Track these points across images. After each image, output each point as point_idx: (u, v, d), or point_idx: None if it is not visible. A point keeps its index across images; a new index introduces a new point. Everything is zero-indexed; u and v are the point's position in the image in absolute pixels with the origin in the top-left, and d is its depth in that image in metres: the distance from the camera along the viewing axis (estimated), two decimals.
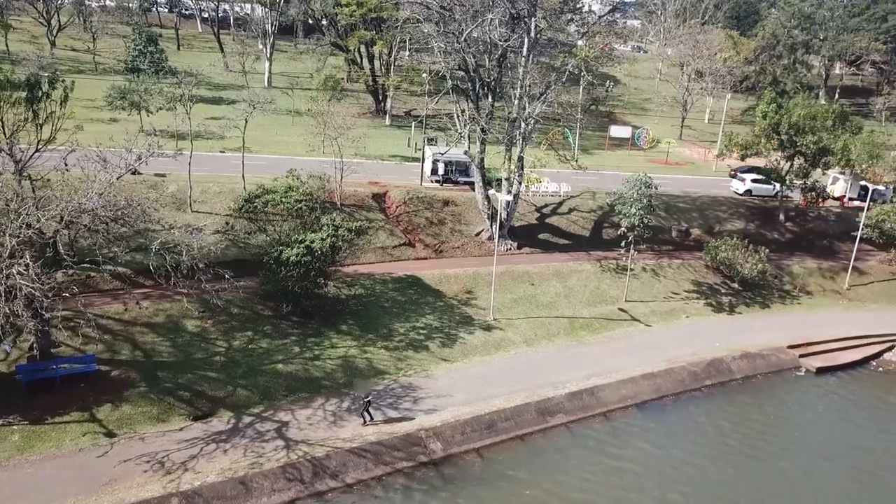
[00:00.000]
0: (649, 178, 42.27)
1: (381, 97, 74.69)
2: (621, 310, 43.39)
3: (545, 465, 29.85)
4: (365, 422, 29.41)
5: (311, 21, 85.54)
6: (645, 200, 41.57)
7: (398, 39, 68.32)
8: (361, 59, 75.95)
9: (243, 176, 43.84)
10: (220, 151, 52.60)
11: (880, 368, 41.87)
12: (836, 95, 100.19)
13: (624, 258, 45.14)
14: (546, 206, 52.09)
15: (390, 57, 72.26)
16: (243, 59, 71.18)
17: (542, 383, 34.18)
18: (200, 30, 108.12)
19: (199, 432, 28.14)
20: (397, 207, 47.92)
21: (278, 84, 77.57)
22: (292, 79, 78.33)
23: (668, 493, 28.95)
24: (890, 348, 43.34)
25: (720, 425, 34.72)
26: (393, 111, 73.49)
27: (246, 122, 43.94)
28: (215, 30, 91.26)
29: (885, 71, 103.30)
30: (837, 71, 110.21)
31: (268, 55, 79.96)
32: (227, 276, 31.41)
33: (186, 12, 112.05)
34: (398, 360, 34.64)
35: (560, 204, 52.43)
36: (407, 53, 75.72)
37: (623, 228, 43.11)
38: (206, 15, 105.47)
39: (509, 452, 30.33)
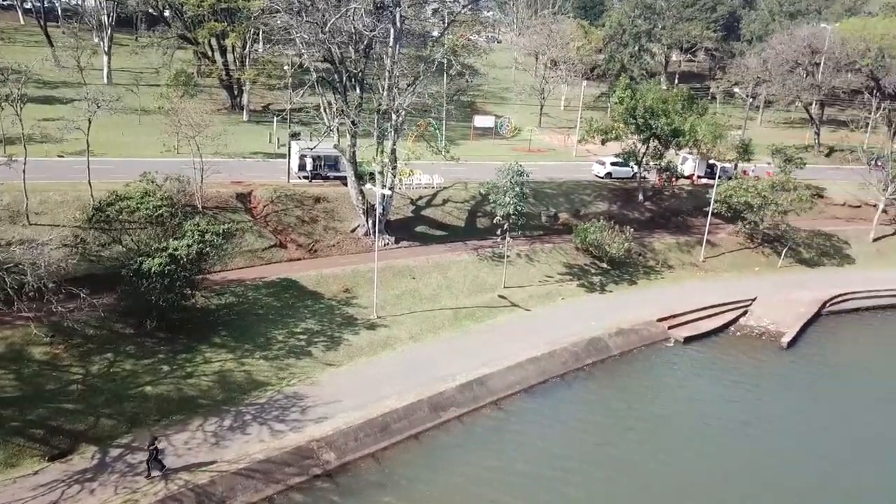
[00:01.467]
0: (521, 166, 42.75)
1: (236, 92, 70.90)
2: (501, 297, 43.75)
3: (442, 463, 29.33)
4: (149, 474, 25.06)
5: (153, 12, 79.53)
6: (518, 189, 42.01)
7: (252, 31, 64.97)
8: (213, 52, 71.62)
9: (90, 182, 39.69)
10: (59, 156, 47.52)
11: (738, 333, 45.05)
12: (676, 81, 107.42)
13: (500, 246, 45.53)
14: (420, 198, 51.57)
15: (245, 49, 68.66)
16: (78, 54, 64.83)
17: (433, 378, 33.61)
18: (23, 22, 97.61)
19: (58, 474, 24.99)
20: (265, 207, 45.49)
21: (120, 80, 71.44)
22: (136, 75, 72.52)
23: (564, 475, 29.33)
24: (744, 313, 46.76)
25: (604, 401, 35.88)
26: (251, 106, 69.98)
27: (90, 122, 39.73)
28: (41, 22, 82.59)
29: (717, 57, 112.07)
30: (675, 58, 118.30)
31: (105, 49, 73.39)
32: (81, 293, 28.12)
33: (5, 3, 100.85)
34: (279, 369, 32.74)
35: (434, 195, 52.09)
36: (261, 46, 72.31)
37: (498, 217, 43.39)
38: (28, 5, 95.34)
39: (406, 453, 29.51)
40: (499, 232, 44.28)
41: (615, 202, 57.90)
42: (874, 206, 61.91)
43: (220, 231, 35.64)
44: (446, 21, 45.02)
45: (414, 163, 49.00)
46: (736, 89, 79.77)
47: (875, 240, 58.24)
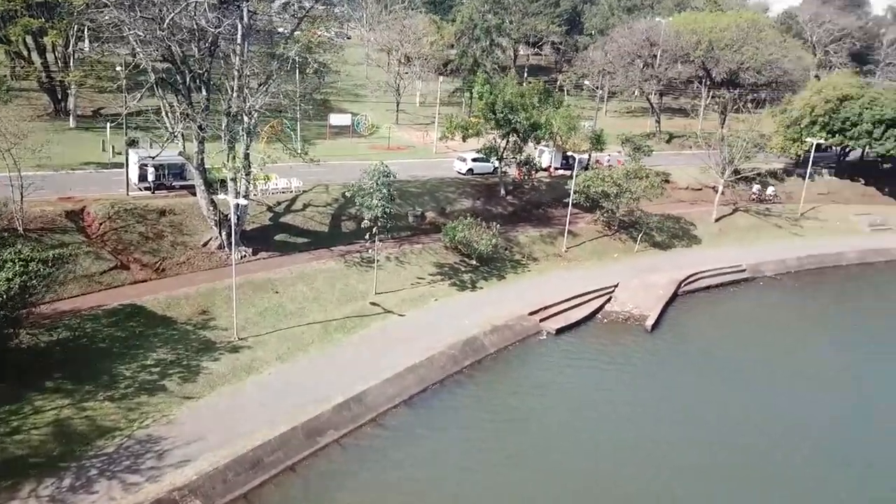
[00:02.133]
0: (387, 167, 41.06)
1: (60, 96, 63.65)
2: (373, 304, 41.95)
3: (321, 492, 27.19)
4: None
5: None
6: (386, 191, 40.31)
7: (76, 28, 58.33)
8: (29, 51, 63.87)
9: None
10: None
11: (605, 319, 46.17)
12: (525, 74, 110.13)
13: (368, 250, 43.66)
14: (279, 204, 48.52)
15: (68, 49, 61.65)
16: None
17: (306, 401, 31.22)
18: None
19: None
20: (101, 225, 40.76)
21: None
22: None
23: (452, 484, 28.20)
24: (609, 300, 48.04)
25: (485, 402, 35.19)
26: (78, 111, 63.08)
27: None
28: None
29: (562, 51, 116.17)
30: (523, 52, 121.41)
31: None
32: None
33: None
34: (129, 409, 28.99)
35: (293, 201, 49.21)
36: (87, 45, 65.37)
37: (366, 221, 41.48)
38: None
39: (281, 488, 27.05)
40: (367, 236, 42.41)
41: (479, 198, 57.75)
42: (713, 188, 66.31)
43: (48, 258, 31.14)
44: (298, 16, 42.18)
45: (270, 167, 45.93)
46: (585, 81, 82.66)
47: (717, 220, 62.23)
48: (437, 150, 68.93)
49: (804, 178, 69.96)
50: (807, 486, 30.18)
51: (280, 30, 49.12)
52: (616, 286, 49.12)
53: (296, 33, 43.91)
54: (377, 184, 40.30)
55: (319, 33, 60.57)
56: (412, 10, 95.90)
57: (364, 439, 30.82)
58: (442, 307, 43.33)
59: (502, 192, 58.90)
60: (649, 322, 44.66)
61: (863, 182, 73.72)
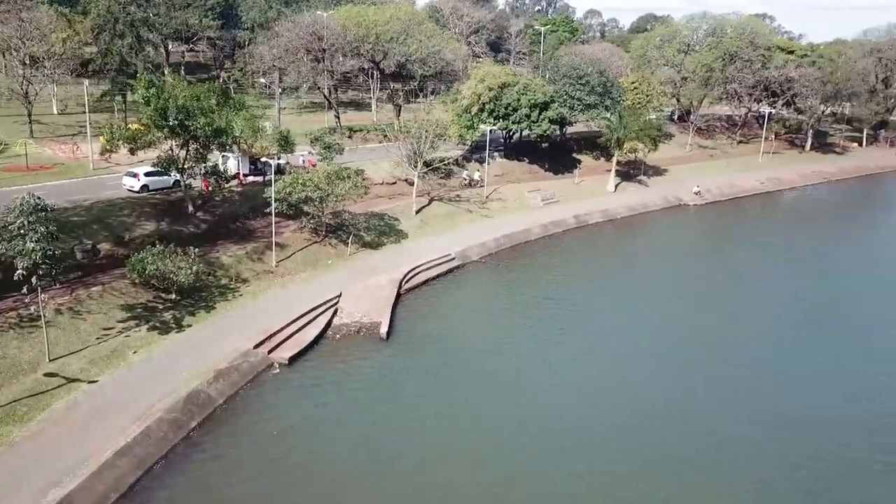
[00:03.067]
0: (39, 199, 31.59)
1: None
2: (50, 374, 32.53)
3: None
4: None
5: None
6: (43, 228, 30.99)
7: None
8: None
9: None
10: None
11: (337, 335, 42.60)
12: (182, 72, 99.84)
13: (30, 306, 33.71)
14: None
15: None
16: None
17: None
18: None
19: None
20: None
21: None
22: None
23: None
24: (335, 313, 44.60)
25: (224, 468, 29.20)
26: None
27: None
28: None
29: (220, 46, 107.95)
30: (176, 49, 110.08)
31: None
32: None
33: None
34: None
35: None
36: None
37: (20, 271, 31.54)
38: None
39: None
40: (25, 290, 32.51)
41: (163, 219, 49.44)
42: (405, 180, 66.85)
43: None
44: None
45: None
46: (261, 79, 77.05)
47: (417, 212, 62.68)
48: (97, 165, 57.81)
49: (482, 162, 74.53)
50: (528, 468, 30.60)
51: None
52: (339, 296, 45.89)
53: None
54: (27, 223, 30.80)
55: None
56: (31, 1, 79.23)
57: None
58: (145, 360, 35.53)
59: (190, 208, 51.27)
60: (383, 329, 42.33)
61: (527, 161, 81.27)
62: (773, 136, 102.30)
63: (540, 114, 75.63)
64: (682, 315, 48.55)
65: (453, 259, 55.16)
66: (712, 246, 67.56)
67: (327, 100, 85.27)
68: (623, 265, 59.45)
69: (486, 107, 74.97)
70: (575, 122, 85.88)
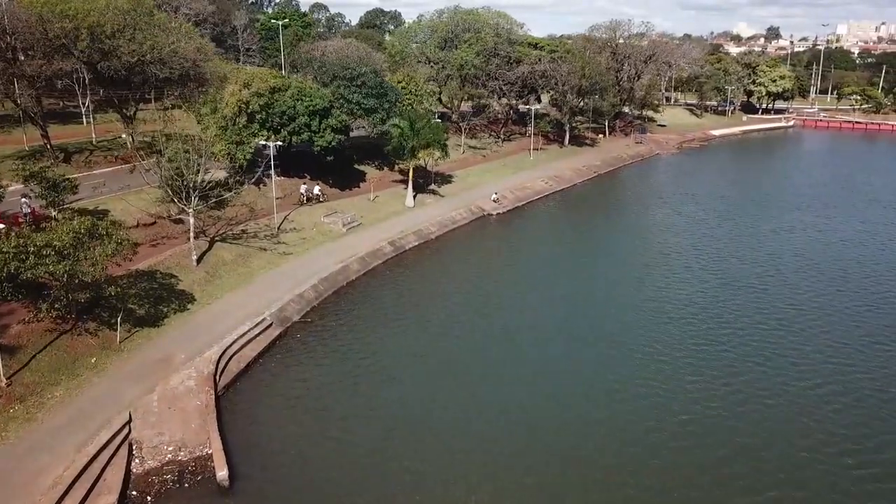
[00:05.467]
0: None
1: None
2: None
3: None
4: None
5: None
6: None
7: None
8: None
9: None
10: None
11: (150, 490, 27.28)
12: None
13: None
14: None
15: None
16: None
17: None
18: None
19: None
20: None
21: None
22: None
23: None
24: (130, 454, 29.05)
25: None
26: None
27: None
28: None
29: None
30: None
31: None
32: None
33: None
34: None
35: None
36: None
37: None
38: None
39: None
40: None
41: None
42: (169, 218, 50.87)
43: None
44: None
45: None
46: None
47: (198, 261, 47.24)
48: None
49: (258, 184, 60.56)
50: None
51: None
52: (129, 421, 30.24)
53: None
54: None
55: None
56: None
57: None
58: None
59: None
60: (220, 472, 27.68)
61: (310, 178, 68.74)
62: (538, 133, 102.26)
63: (321, 122, 63.85)
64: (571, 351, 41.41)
65: (270, 324, 41.52)
66: (530, 259, 61.78)
67: (28, 114, 63.20)
68: (462, 297, 50.25)
69: (258, 117, 61.03)
70: (352, 130, 75.34)
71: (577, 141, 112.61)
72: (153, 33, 64.27)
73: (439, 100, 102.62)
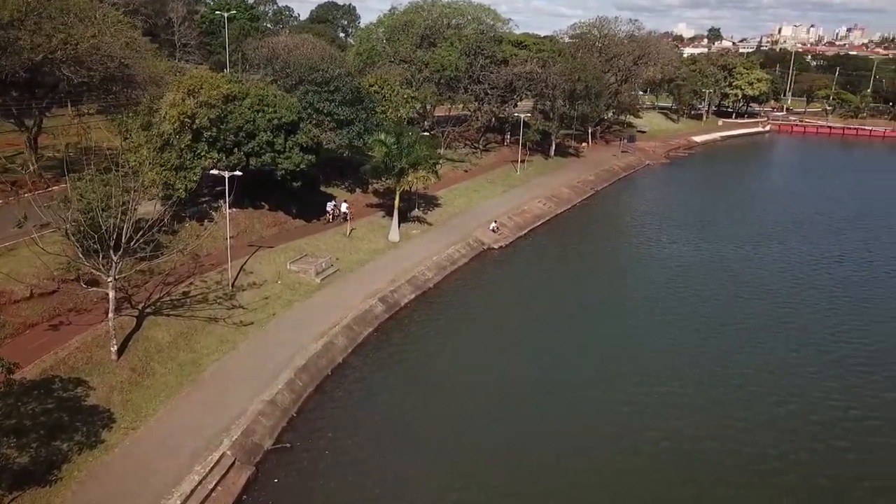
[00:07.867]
0: None
1: None
2: None
3: None
4: None
5: None
6: None
7: None
8: None
9: None
10: None
11: None
12: None
13: None
14: None
15: None
16: None
17: None
18: None
19: None
20: None
21: None
22: None
23: None
24: None
25: None
26: None
27: None
28: None
29: None
30: None
31: None
32: None
33: None
34: None
35: None
36: None
37: None
38: None
39: None
40: None
41: None
42: (79, 278, 36.38)
43: None
44: None
45: None
46: None
47: (120, 352, 32.88)
48: None
49: (202, 220, 46.39)
50: None
51: None
52: None
53: None
54: None
55: None
56: None
57: None
58: None
59: None
60: None
61: (268, 208, 54.64)
62: (525, 144, 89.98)
63: (286, 139, 49.91)
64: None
65: (232, 463, 27.60)
66: (560, 315, 49.11)
67: None
68: (494, 390, 37.20)
69: (206, 134, 46.69)
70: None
71: (560, 150, 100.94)
72: (67, 23, 49.17)
73: (419, 110, 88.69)
